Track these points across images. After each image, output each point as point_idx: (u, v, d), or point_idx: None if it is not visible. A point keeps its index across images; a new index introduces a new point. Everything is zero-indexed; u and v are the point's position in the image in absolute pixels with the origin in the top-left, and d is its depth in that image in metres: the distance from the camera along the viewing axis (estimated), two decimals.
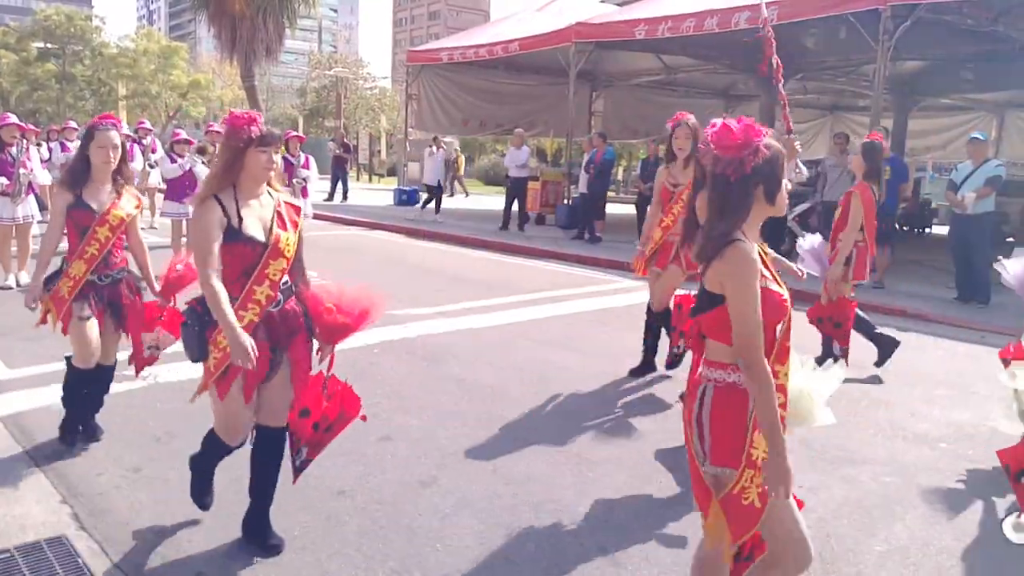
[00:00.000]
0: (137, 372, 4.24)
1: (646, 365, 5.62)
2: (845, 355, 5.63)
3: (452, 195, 24.56)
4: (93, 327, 3.93)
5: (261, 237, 2.91)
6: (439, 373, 5.44)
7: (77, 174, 3.87)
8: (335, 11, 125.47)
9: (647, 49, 16.40)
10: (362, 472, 3.83)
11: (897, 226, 14.87)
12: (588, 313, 7.62)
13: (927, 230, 17.46)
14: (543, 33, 15.80)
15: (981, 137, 9.10)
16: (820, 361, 5.65)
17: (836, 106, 23.17)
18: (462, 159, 27.32)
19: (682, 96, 21.88)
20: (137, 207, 4.06)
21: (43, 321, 3.96)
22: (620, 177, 31.00)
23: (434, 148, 17.43)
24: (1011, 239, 14.09)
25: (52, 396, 4.73)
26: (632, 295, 8.94)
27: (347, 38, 70.48)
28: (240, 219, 2.85)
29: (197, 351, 2.94)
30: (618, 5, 20.15)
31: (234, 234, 2.84)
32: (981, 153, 8.87)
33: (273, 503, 3.47)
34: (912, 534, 3.46)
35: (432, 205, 16.47)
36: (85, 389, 4.05)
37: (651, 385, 5.50)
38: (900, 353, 6.53)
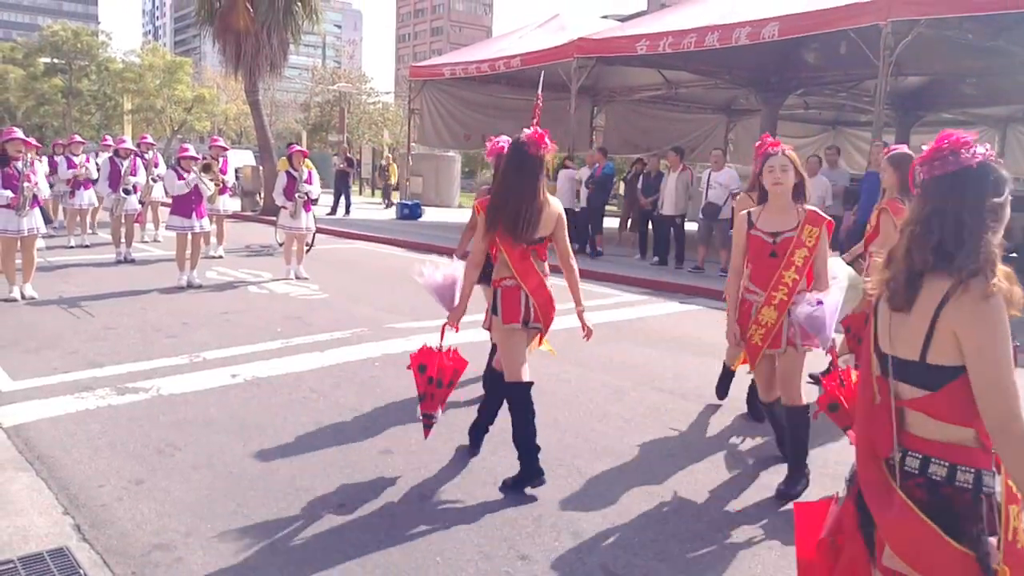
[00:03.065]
0: None
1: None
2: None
3: (388, 206, 24.61)
4: None
5: None
6: None
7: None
8: (339, 27, 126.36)
9: (648, 64, 16.48)
10: (362, 485, 3.84)
11: None
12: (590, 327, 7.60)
13: None
14: (545, 48, 15.90)
15: None
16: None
17: (838, 121, 23.25)
18: (394, 168, 27.14)
19: (683, 111, 21.98)
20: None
21: None
22: (621, 191, 31.05)
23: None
24: (1014, 254, 14.07)
25: (55, 408, 4.76)
26: (634, 309, 8.95)
27: (350, 54, 70.84)
28: None
29: None
30: (619, 21, 20.29)
31: None
32: None
33: (273, 516, 3.49)
34: None
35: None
36: None
37: (653, 400, 5.50)
38: None
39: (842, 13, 10.65)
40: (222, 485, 3.79)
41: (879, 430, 1.96)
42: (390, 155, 29.76)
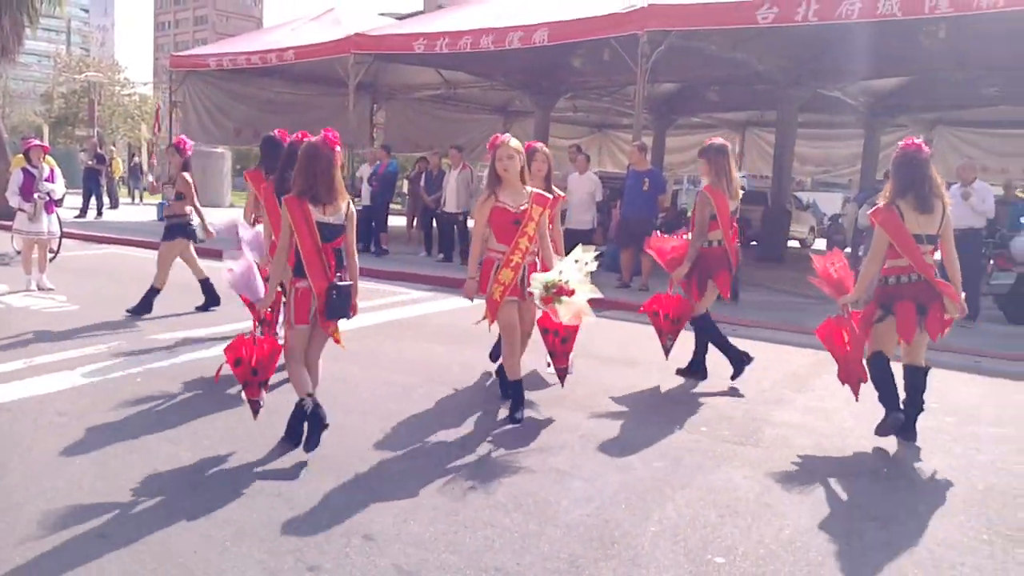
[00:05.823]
0: None
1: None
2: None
3: (115, 206, 22.57)
4: None
5: None
6: (212, 398, 5.07)
7: None
8: (87, 11, 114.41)
9: (427, 64, 16.61)
10: (126, 511, 3.46)
11: (658, 233, 16.11)
12: (375, 326, 7.48)
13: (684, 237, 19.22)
14: (320, 43, 15.45)
15: None
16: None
17: (604, 124, 24.91)
18: (117, 163, 25.43)
19: (463, 111, 22.40)
20: None
21: None
22: (406, 190, 31.03)
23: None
24: (754, 242, 16.00)
25: None
26: (420, 306, 8.94)
27: (101, 40, 64.34)
28: None
29: None
30: (397, 19, 20.21)
31: None
32: None
33: (21, 554, 3.04)
34: (680, 512, 3.74)
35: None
36: None
37: (440, 395, 5.51)
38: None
39: (605, 22, 11.42)
40: (48, 514, 3.27)
41: None
42: (113, 148, 27.40)
